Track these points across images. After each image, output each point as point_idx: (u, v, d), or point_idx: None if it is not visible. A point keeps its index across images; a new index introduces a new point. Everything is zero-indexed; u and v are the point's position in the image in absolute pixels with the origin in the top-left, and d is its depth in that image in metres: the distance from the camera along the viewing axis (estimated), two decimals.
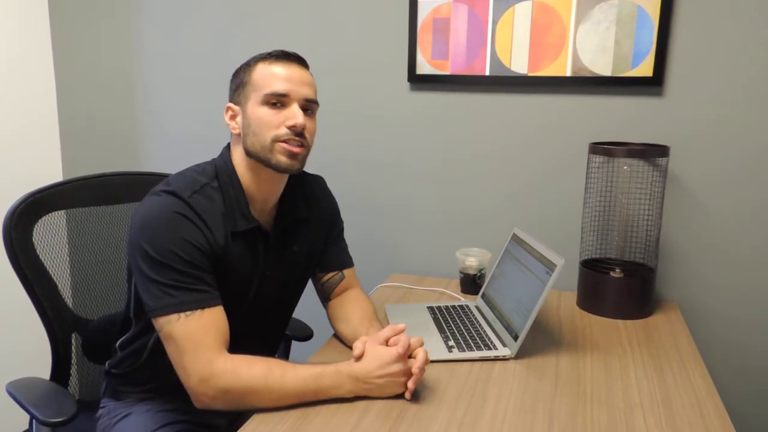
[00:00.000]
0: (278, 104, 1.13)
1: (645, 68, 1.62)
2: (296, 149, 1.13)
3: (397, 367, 1.08)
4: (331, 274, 1.36)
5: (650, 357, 1.31)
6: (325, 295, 1.38)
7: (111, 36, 2.07)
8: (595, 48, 1.64)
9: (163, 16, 2.00)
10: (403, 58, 1.81)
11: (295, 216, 1.26)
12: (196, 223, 1.09)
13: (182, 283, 1.06)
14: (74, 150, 2.20)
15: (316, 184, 1.37)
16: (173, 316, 1.04)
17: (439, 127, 1.82)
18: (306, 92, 1.15)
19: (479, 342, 1.33)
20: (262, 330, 1.29)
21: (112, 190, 1.47)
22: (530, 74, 1.71)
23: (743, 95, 1.58)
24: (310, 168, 1.92)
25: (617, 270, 1.57)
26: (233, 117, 1.19)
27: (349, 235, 1.94)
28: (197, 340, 1.04)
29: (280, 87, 1.12)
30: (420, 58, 1.79)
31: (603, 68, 1.65)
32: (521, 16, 1.68)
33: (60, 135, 2.19)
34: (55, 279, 1.34)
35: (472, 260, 1.66)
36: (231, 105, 1.19)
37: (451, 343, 1.33)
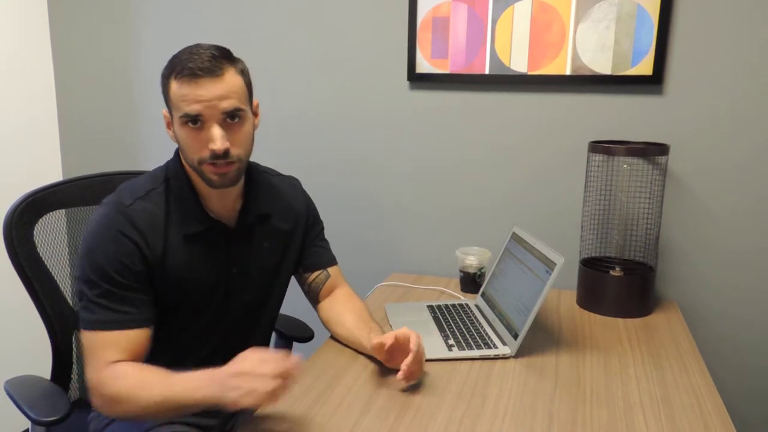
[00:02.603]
0: (197, 123, 1.06)
1: (645, 67, 1.62)
2: (223, 169, 1.09)
3: (255, 368, 0.93)
4: (315, 274, 1.35)
5: (650, 356, 1.31)
6: (314, 296, 1.36)
7: (110, 35, 2.07)
8: (594, 46, 1.64)
9: (162, 15, 2.00)
10: (403, 56, 1.81)
11: (258, 211, 1.22)
12: (132, 237, 1.08)
13: (106, 301, 1.06)
14: (74, 149, 2.19)
15: (287, 183, 1.35)
16: (89, 333, 1.06)
17: (439, 125, 1.82)
18: (223, 107, 1.05)
19: (479, 341, 1.33)
20: (245, 330, 1.27)
21: (112, 189, 1.46)
22: (530, 73, 1.70)
23: (743, 93, 1.58)
24: (310, 166, 1.94)
25: (617, 269, 1.57)
26: (169, 125, 1.14)
27: (347, 235, 1.95)
28: (100, 355, 1.05)
29: (192, 109, 1.05)
30: (419, 56, 1.79)
31: (603, 67, 1.64)
32: (521, 14, 1.68)
33: (59, 134, 2.19)
34: (55, 278, 1.34)
35: (471, 259, 1.66)
36: (165, 113, 1.14)
37: (451, 341, 1.33)
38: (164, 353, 1.14)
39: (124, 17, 2.04)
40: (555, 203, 1.76)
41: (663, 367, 1.26)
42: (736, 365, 1.68)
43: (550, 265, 1.27)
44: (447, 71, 1.77)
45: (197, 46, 1.08)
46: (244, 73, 1.12)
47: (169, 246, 1.12)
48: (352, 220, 1.93)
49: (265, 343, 1.36)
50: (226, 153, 1.07)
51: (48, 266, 1.32)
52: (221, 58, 1.06)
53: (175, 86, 1.06)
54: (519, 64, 1.71)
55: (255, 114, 1.17)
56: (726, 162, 1.61)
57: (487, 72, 1.74)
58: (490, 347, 1.30)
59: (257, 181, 1.24)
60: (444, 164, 1.83)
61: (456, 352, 1.28)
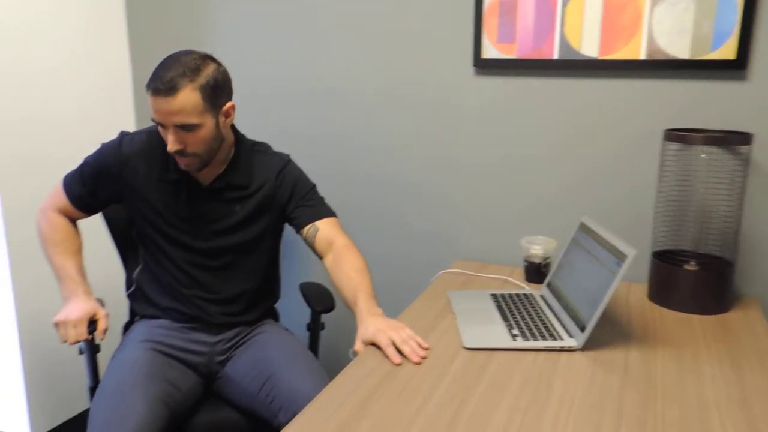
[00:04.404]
0: (162, 126, 1.34)
1: (727, 50, 1.53)
2: (184, 161, 1.38)
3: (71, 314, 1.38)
4: (305, 229, 1.51)
5: (727, 354, 1.25)
6: (314, 250, 1.51)
7: (183, 12, 2.13)
8: (671, 29, 1.56)
9: None
10: (468, 41, 1.78)
11: (228, 180, 1.47)
12: (121, 151, 1.47)
13: (78, 175, 1.52)
14: (147, 119, 2.27)
15: (273, 160, 1.54)
16: (61, 183, 1.55)
17: (505, 112, 1.78)
18: (175, 121, 1.31)
19: (544, 332, 1.30)
20: (223, 274, 1.51)
21: None
22: (601, 58, 1.64)
23: None
24: (371, 151, 1.94)
25: (692, 263, 1.50)
26: None
27: (410, 222, 1.94)
28: (55, 198, 1.54)
29: (155, 117, 1.33)
30: (486, 41, 1.75)
31: (680, 51, 1.56)
32: None
33: (134, 105, 2.28)
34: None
35: (537, 248, 1.63)
36: None
37: (515, 331, 1.31)
38: (157, 283, 1.52)
39: None
40: (625, 193, 1.70)
41: (742, 368, 1.19)
42: None
43: (620, 257, 1.23)
44: (514, 56, 1.73)
45: (170, 59, 1.32)
46: (204, 88, 1.31)
47: (147, 176, 1.46)
48: (414, 207, 1.92)
49: (251, 288, 1.55)
50: (181, 152, 1.35)
51: None
52: (179, 76, 1.28)
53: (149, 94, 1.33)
54: (590, 48, 1.65)
55: (226, 115, 1.40)
56: None
57: (555, 57, 1.69)
58: (555, 339, 1.27)
59: (240, 156, 1.50)
60: (509, 152, 1.80)
61: (520, 342, 1.26)
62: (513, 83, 1.76)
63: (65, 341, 1.38)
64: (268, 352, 1.46)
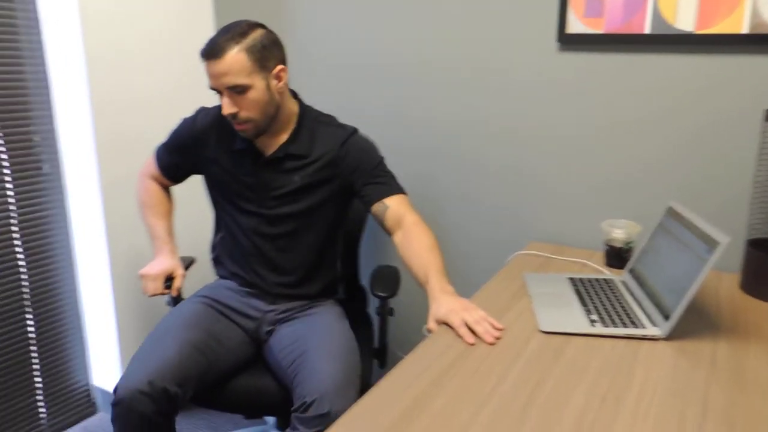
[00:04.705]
0: (218, 92, 1.40)
1: None
2: (240, 127, 1.43)
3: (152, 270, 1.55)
4: (375, 207, 1.51)
5: None
6: (383, 227, 1.52)
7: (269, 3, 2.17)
8: None
9: None
10: (552, 16, 1.72)
11: (288, 151, 1.51)
12: (196, 124, 1.57)
13: (164, 146, 1.65)
14: None
15: (338, 133, 1.55)
16: (153, 154, 1.69)
17: (590, 89, 1.71)
18: (225, 82, 1.36)
19: (625, 319, 1.26)
20: (282, 242, 1.56)
21: None
22: (698, 32, 1.54)
23: None
24: (446, 128, 1.92)
25: None
26: None
27: (484, 200, 1.92)
28: (148, 167, 1.70)
29: (210, 83, 1.39)
30: (571, 15, 1.68)
31: None
32: None
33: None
34: None
35: (619, 232, 1.57)
36: None
37: (594, 317, 1.27)
38: (227, 249, 1.62)
39: None
40: (717, 176, 1.60)
41: None
42: None
43: (711, 244, 1.16)
44: (601, 31, 1.65)
45: (222, 28, 1.38)
46: (251, 49, 1.36)
47: (217, 147, 1.54)
48: (490, 186, 1.89)
49: (309, 260, 1.58)
50: (234, 116, 1.39)
51: None
52: (226, 40, 1.34)
53: None
54: (685, 22, 1.55)
55: (278, 78, 1.42)
56: None
57: (647, 31, 1.60)
58: (637, 326, 1.22)
59: (303, 127, 1.52)
60: (591, 131, 1.73)
61: (599, 328, 1.22)
62: (599, 59, 1.69)
63: (146, 293, 1.55)
64: (309, 332, 1.48)
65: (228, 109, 1.38)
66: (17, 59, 1.77)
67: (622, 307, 1.32)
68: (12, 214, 1.82)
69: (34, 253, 1.90)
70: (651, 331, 1.21)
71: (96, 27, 1.84)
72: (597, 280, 1.47)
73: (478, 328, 1.20)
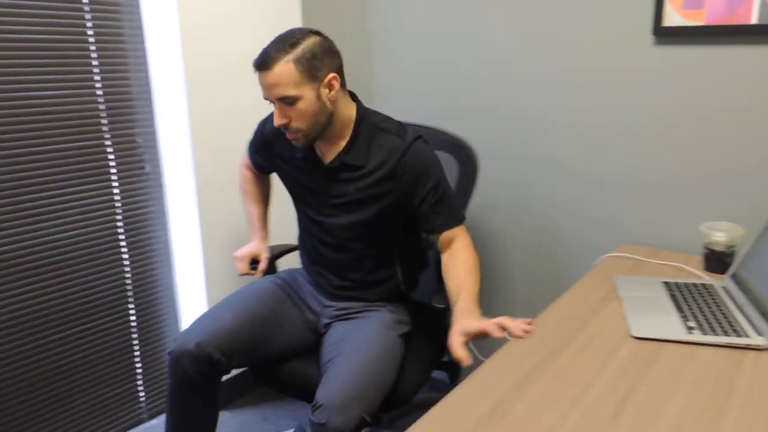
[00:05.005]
0: (270, 101, 1.39)
1: None
2: (290, 136, 1.43)
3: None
4: (432, 236, 1.50)
5: None
6: (436, 246, 1.52)
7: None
8: None
9: None
10: (648, 8, 1.64)
11: (343, 161, 1.47)
12: (266, 129, 1.60)
13: (251, 144, 1.70)
14: None
15: (395, 142, 1.46)
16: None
17: (687, 84, 1.62)
18: (275, 93, 1.35)
19: (726, 326, 1.18)
20: (343, 247, 1.54)
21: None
22: None
23: None
24: (533, 126, 1.87)
25: None
26: None
27: (573, 201, 1.86)
28: (244, 156, 1.77)
29: (263, 94, 1.39)
30: (668, 7, 1.60)
31: None
32: None
33: None
34: None
35: (720, 235, 1.47)
36: None
37: (691, 324, 1.20)
38: (301, 230, 1.64)
39: None
40: None
41: None
42: None
43: None
44: (702, 23, 1.56)
45: (276, 37, 1.37)
46: (300, 60, 1.33)
47: (283, 153, 1.57)
48: (578, 186, 1.83)
49: (366, 269, 1.56)
50: (285, 126, 1.39)
51: None
52: (276, 51, 1.33)
53: None
54: None
55: (330, 87, 1.39)
56: None
57: (754, 21, 1.49)
58: (740, 335, 1.14)
59: (360, 134, 1.47)
60: (688, 128, 1.63)
61: (697, 336, 1.15)
62: (698, 53, 1.59)
63: (236, 272, 1.71)
64: (351, 336, 1.47)
65: (279, 120, 1.38)
66: (124, 66, 1.90)
67: (723, 314, 1.24)
68: (117, 211, 1.96)
69: (136, 247, 2.03)
70: (756, 340, 1.12)
71: (194, 36, 1.95)
72: (695, 285, 1.39)
73: (507, 323, 1.16)
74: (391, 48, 2.12)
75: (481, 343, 2.08)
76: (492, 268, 2.06)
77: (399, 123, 1.52)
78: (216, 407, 1.55)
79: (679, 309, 1.27)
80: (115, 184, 1.94)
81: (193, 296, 2.16)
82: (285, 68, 1.33)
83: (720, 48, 1.56)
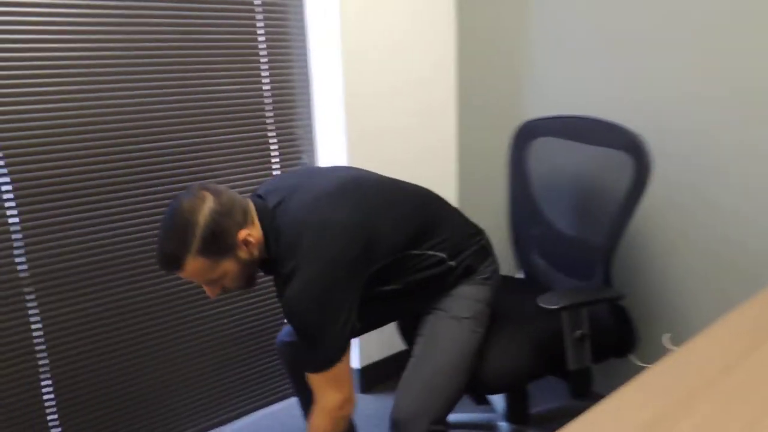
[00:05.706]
0: None
1: None
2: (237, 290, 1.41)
3: None
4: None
5: None
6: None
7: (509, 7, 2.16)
8: None
9: None
10: None
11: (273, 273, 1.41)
12: None
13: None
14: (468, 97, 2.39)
15: (287, 265, 1.31)
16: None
17: None
18: (199, 281, 1.30)
19: None
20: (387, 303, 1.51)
21: (573, 129, 1.69)
22: None
23: None
24: (721, 115, 1.68)
25: None
26: None
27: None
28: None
29: None
30: None
31: None
32: None
33: (457, 82, 2.41)
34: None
35: None
36: None
37: None
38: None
39: None
40: None
41: None
42: None
43: None
44: None
45: (163, 223, 1.26)
46: (204, 249, 1.24)
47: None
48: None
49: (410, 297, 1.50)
50: (225, 292, 1.38)
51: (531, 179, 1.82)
52: (176, 250, 1.23)
53: None
54: None
55: (246, 243, 1.29)
56: None
57: None
58: None
59: (272, 244, 1.35)
60: None
61: None
62: None
63: None
64: (428, 336, 1.47)
65: (213, 295, 1.34)
66: (288, 62, 2.03)
67: None
68: None
69: None
70: None
71: (352, 34, 2.02)
72: None
73: None
74: (555, 16, 2.04)
75: (676, 333, 1.95)
76: (666, 272, 1.91)
77: (289, 244, 1.30)
78: None
79: None
80: (276, 173, 2.07)
81: None
82: (194, 264, 1.25)
83: None
